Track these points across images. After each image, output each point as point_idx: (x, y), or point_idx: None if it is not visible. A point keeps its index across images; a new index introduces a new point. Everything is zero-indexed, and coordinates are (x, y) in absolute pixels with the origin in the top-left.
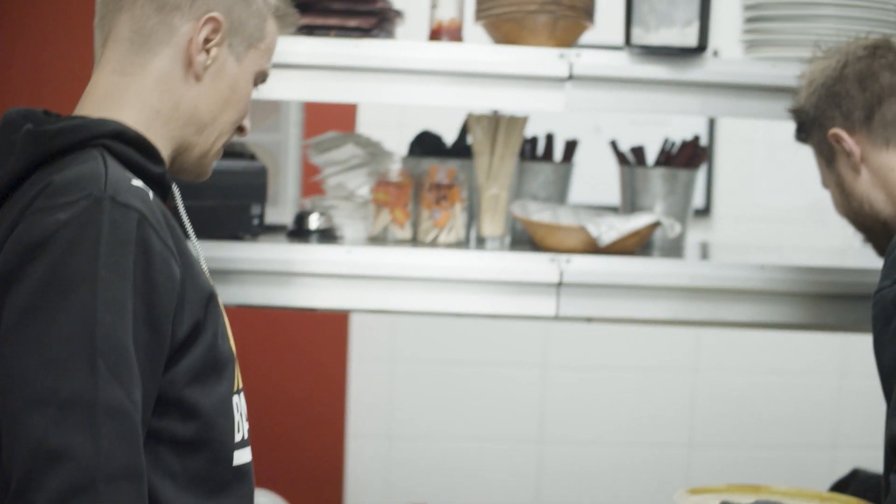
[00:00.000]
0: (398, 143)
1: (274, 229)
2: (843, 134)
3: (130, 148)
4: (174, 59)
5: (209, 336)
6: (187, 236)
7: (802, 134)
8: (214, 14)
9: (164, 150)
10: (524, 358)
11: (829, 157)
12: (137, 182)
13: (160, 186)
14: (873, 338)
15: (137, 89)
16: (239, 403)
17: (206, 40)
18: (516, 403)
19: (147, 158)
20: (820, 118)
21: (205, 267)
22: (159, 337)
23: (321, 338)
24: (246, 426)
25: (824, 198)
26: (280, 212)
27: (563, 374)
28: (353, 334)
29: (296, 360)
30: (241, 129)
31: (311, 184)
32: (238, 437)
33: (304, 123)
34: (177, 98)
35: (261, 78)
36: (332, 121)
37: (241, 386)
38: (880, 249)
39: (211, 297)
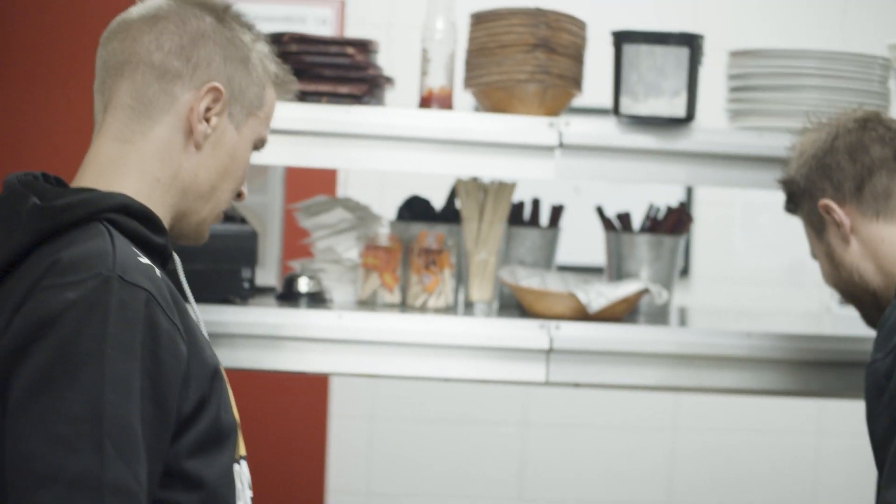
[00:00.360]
0: (380, 204)
1: (262, 291)
2: (833, 205)
3: (135, 220)
4: (175, 128)
5: (213, 409)
6: (187, 301)
7: (792, 205)
8: (216, 84)
9: (165, 218)
10: (504, 416)
11: (818, 227)
12: (144, 259)
13: (161, 255)
14: (866, 409)
15: (138, 157)
16: (241, 471)
17: (207, 109)
18: (496, 461)
19: (150, 230)
20: (810, 189)
21: (204, 331)
22: (165, 414)
23: (301, 396)
24: (248, 494)
25: (801, 260)
26: (266, 273)
27: (542, 432)
28: (333, 392)
29: (276, 417)
30: (239, 195)
31: (293, 245)
32: None
33: (285, 186)
34: (177, 166)
35: (259, 144)
36: (313, 183)
37: (243, 454)
38: (869, 319)
39: (216, 372)
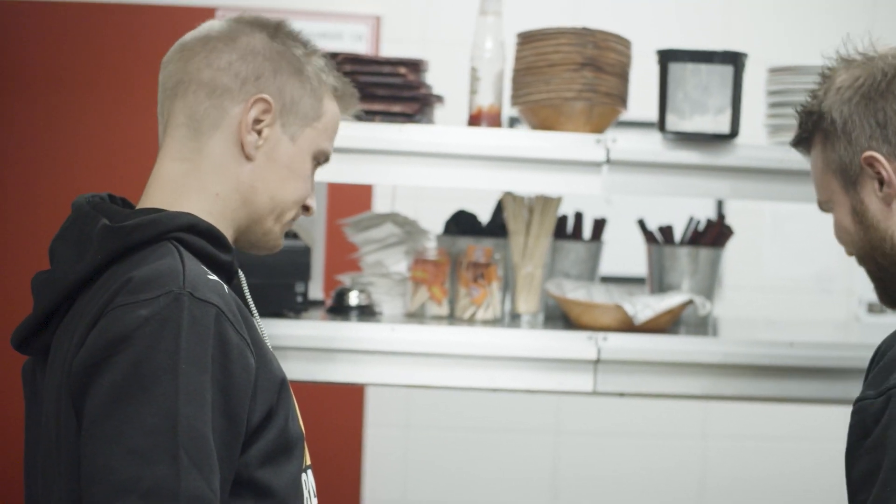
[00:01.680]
0: (414, 216)
1: (311, 304)
2: (882, 159)
3: (202, 239)
4: (227, 142)
5: (281, 420)
6: (252, 315)
7: (804, 140)
8: (263, 95)
9: (228, 232)
10: (537, 425)
11: (850, 178)
12: (212, 276)
13: (227, 272)
14: (847, 446)
15: (197, 175)
16: (307, 480)
17: (257, 121)
18: (529, 469)
19: (217, 247)
20: (850, 131)
21: (269, 344)
22: (235, 425)
23: (338, 405)
24: (315, 502)
25: (829, 268)
26: (312, 286)
27: (575, 440)
28: (368, 402)
29: (313, 427)
30: (306, 209)
31: (337, 258)
32: None
33: (326, 199)
34: (234, 179)
35: (322, 157)
36: (350, 198)
37: (309, 463)
38: (888, 297)
39: (283, 383)
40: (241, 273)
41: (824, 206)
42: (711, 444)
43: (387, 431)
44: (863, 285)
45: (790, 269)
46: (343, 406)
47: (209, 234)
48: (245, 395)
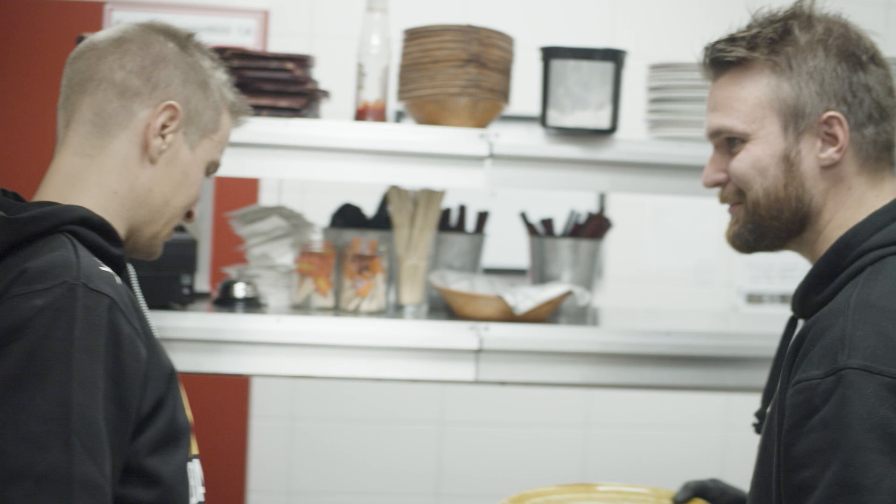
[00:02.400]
0: (301, 209)
1: (197, 297)
2: (846, 125)
3: (94, 232)
4: (132, 143)
5: (169, 410)
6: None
7: (742, 63)
8: (172, 102)
9: (121, 230)
10: (421, 415)
11: (798, 123)
12: (105, 268)
13: (117, 265)
14: (787, 425)
15: (97, 171)
16: (194, 469)
17: (163, 126)
18: (414, 459)
19: (109, 241)
20: (824, 78)
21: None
22: (126, 413)
23: (223, 397)
24: (201, 490)
25: (708, 260)
26: (198, 279)
27: (459, 429)
28: (254, 393)
29: (199, 418)
30: (189, 215)
31: (224, 251)
32: (193, 501)
33: (213, 193)
34: (133, 180)
35: (212, 168)
36: (237, 191)
37: (196, 452)
38: (751, 244)
39: (171, 374)
40: (130, 267)
41: (730, 133)
42: (593, 433)
43: (272, 423)
44: (742, 276)
45: (670, 261)
46: (229, 398)
47: (102, 227)
48: (136, 384)
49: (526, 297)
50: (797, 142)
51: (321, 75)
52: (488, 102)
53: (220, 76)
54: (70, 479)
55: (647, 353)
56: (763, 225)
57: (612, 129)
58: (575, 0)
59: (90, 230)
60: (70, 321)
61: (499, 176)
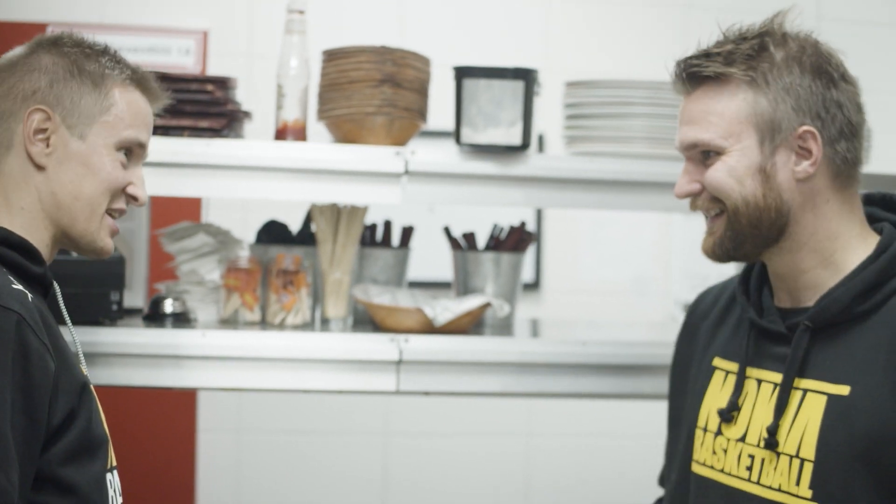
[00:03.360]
0: (242, 229)
1: (129, 312)
2: (819, 136)
3: (13, 251)
4: (20, 157)
5: (83, 421)
6: (65, 323)
7: (719, 79)
8: (38, 106)
9: (45, 242)
10: (365, 427)
11: (774, 138)
12: (17, 286)
13: (41, 284)
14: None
15: (3, 191)
16: (113, 480)
17: (40, 131)
18: (359, 471)
19: (28, 260)
20: (799, 94)
21: (80, 351)
22: (35, 424)
23: (170, 411)
24: (120, 500)
25: (645, 272)
26: (133, 295)
27: (403, 441)
28: (200, 407)
29: (146, 432)
30: (134, 199)
31: (159, 268)
32: None
33: (151, 212)
34: (34, 191)
35: (132, 145)
36: (178, 210)
37: (114, 464)
38: (731, 253)
39: (84, 387)
40: (56, 286)
41: (706, 147)
42: (536, 442)
43: (218, 436)
44: (680, 287)
45: (609, 273)
46: (175, 411)
47: (21, 247)
48: (45, 396)
49: (445, 309)
50: (772, 155)
51: (258, 95)
52: (404, 121)
53: (99, 59)
54: None
55: (561, 362)
56: (743, 233)
57: (525, 146)
58: (511, 20)
59: (9, 249)
60: None
61: (415, 192)
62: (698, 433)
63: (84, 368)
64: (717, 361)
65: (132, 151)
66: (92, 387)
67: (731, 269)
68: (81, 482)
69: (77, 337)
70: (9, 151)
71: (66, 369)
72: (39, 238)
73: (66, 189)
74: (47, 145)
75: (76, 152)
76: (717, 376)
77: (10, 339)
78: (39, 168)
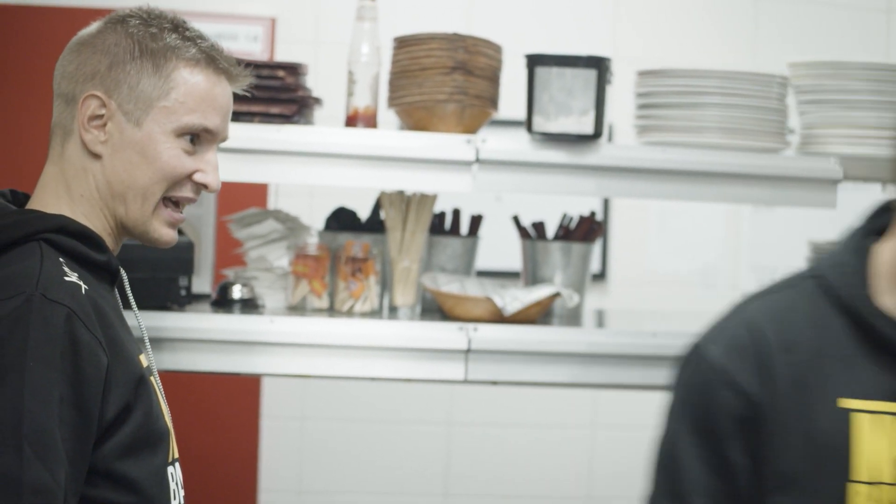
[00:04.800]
0: (309, 215)
1: (197, 298)
2: None
3: (74, 239)
4: (79, 144)
5: (139, 415)
6: (130, 308)
7: None
8: (93, 92)
9: (107, 230)
10: (429, 416)
11: None
12: (71, 277)
13: (107, 271)
14: None
15: (63, 178)
16: (175, 473)
17: (95, 117)
18: (422, 459)
19: (91, 248)
20: None
21: (146, 337)
22: (87, 419)
23: (234, 398)
24: (181, 493)
25: (712, 264)
26: (200, 281)
27: (466, 430)
28: (264, 394)
29: (211, 419)
30: (204, 186)
31: (226, 254)
32: None
33: (218, 198)
34: (91, 179)
35: (197, 130)
36: (245, 196)
37: (176, 456)
38: None
39: (141, 380)
40: (123, 272)
41: None
42: (600, 433)
43: (282, 423)
44: (746, 280)
45: (676, 264)
46: (240, 398)
47: (81, 234)
48: (96, 390)
49: (514, 298)
50: None
51: (325, 82)
52: (475, 109)
53: (164, 38)
54: (20, 484)
55: (632, 353)
56: None
57: (597, 135)
58: (579, 9)
59: (70, 237)
60: (25, 331)
61: (486, 180)
62: (859, 489)
63: (147, 356)
64: (851, 403)
65: (199, 136)
66: (153, 378)
67: (798, 262)
68: (139, 476)
69: (144, 322)
70: (69, 137)
71: (122, 362)
72: (102, 226)
73: (119, 178)
74: (103, 133)
75: (131, 140)
76: (862, 421)
77: (60, 333)
78: (95, 156)
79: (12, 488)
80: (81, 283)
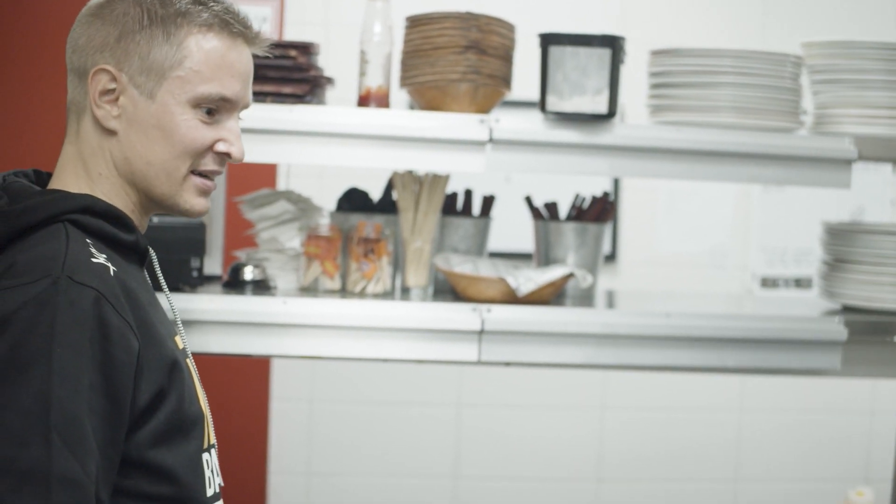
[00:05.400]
0: (319, 196)
1: (208, 279)
2: None
3: (100, 220)
4: (93, 121)
5: (173, 400)
6: (161, 290)
7: None
8: (100, 66)
9: (130, 208)
10: (439, 398)
11: None
12: (98, 259)
13: (136, 251)
14: None
15: (81, 158)
16: (210, 459)
17: (106, 92)
18: (432, 441)
19: (118, 227)
20: None
21: (178, 319)
22: (118, 406)
23: (244, 380)
24: (218, 480)
25: (722, 244)
26: (210, 262)
27: (476, 412)
28: (274, 376)
29: (220, 400)
30: (227, 155)
31: (236, 235)
32: (210, 492)
33: (227, 179)
34: (108, 157)
35: (214, 100)
36: (254, 176)
37: (213, 442)
38: None
39: (174, 364)
40: (152, 251)
41: None
42: (610, 415)
43: (292, 405)
44: (756, 260)
45: (685, 245)
46: (250, 380)
47: (108, 214)
48: (128, 376)
49: (528, 279)
50: None
51: (334, 62)
52: (489, 88)
53: (177, 4)
54: (48, 475)
55: (646, 334)
56: None
57: (611, 114)
58: None
59: (96, 218)
60: (52, 315)
61: (499, 160)
62: None
63: (181, 338)
64: None
65: (218, 105)
66: (189, 360)
67: (808, 243)
68: (174, 464)
69: (175, 304)
70: (83, 114)
71: (154, 346)
72: (124, 204)
73: (137, 153)
74: (116, 107)
75: (146, 113)
76: None
77: (88, 317)
78: (109, 132)
79: (41, 480)
80: (110, 264)
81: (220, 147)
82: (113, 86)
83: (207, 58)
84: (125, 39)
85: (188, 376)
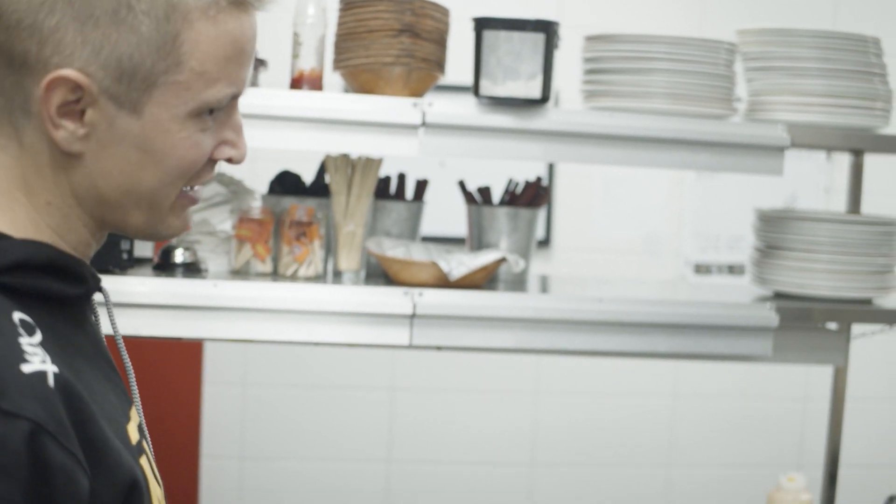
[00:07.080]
0: (252, 178)
1: (139, 262)
2: None
3: (41, 276)
4: (43, 135)
5: None
6: (115, 333)
7: None
8: (60, 73)
9: (84, 241)
10: (372, 381)
11: None
12: (33, 361)
13: (86, 300)
14: None
15: (20, 173)
16: None
17: (68, 105)
18: (365, 425)
19: (65, 281)
20: None
21: (131, 371)
22: None
23: (176, 363)
24: None
25: (656, 232)
26: (142, 245)
27: (409, 395)
28: (206, 359)
29: (152, 384)
30: (230, 160)
31: None
32: None
33: None
34: (64, 184)
35: (210, 108)
36: None
37: None
38: None
39: (133, 485)
40: (105, 290)
41: None
42: (542, 399)
43: (225, 389)
44: (690, 247)
45: (620, 232)
46: (181, 364)
47: (51, 266)
48: None
49: (460, 263)
50: None
51: (267, 44)
52: (422, 72)
53: None
54: None
55: (580, 319)
56: None
57: (544, 99)
58: None
59: (35, 275)
60: None
61: (432, 144)
62: None
63: (138, 412)
64: None
65: (218, 110)
66: (146, 453)
67: (741, 229)
68: None
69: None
70: (27, 120)
71: (108, 471)
72: (77, 238)
73: (112, 181)
74: (81, 125)
75: (127, 133)
76: None
77: (22, 461)
78: (72, 155)
79: None
80: (48, 361)
81: (223, 153)
82: (76, 96)
83: (215, 50)
84: (95, 30)
85: (150, 488)
